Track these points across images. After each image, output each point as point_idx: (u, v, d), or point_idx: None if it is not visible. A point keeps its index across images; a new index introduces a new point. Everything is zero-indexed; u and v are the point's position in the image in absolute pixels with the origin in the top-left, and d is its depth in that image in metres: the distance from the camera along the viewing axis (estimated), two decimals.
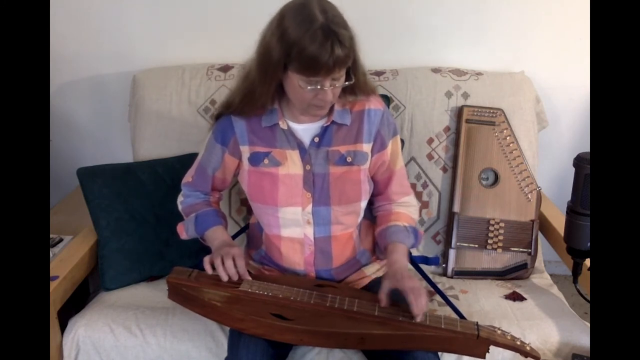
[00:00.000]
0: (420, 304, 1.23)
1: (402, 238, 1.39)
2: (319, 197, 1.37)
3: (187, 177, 1.50)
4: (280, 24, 1.22)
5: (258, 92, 1.30)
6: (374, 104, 1.41)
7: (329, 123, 1.36)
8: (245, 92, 1.33)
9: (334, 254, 1.42)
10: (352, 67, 1.28)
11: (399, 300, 1.27)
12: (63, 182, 2.07)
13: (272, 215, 1.39)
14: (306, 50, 1.17)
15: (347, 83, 1.28)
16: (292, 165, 1.37)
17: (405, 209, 1.46)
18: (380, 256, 1.50)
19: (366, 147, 1.40)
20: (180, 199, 1.50)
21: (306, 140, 1.38)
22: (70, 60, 2.01)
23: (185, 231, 1.46)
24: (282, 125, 1.36)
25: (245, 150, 1.39)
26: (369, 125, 1.39)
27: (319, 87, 1.23)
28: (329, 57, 1.18)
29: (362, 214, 1.44)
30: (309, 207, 1.37)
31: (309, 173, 1.37)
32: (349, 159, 1.37)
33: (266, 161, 1.37)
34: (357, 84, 1.31)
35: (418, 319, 1.22)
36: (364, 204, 1.43)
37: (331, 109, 1.36)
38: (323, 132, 1.37)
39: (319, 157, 1.37)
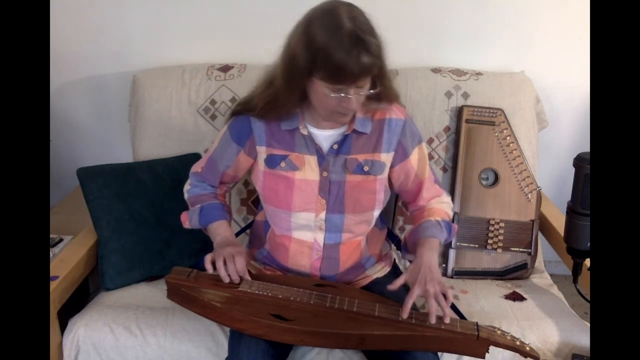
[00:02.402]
0: (433, 316, 1.21)
1: (434, 232, 1.37)
2: (334, 204, 1.36)
3: (197, 167, 1.49)
4: (306, 31, 1.20)
5: (282, 100, 1.28)
6: (396, 113, 1.39)
7: (350, 131, 1.35)
8: (269, 99, 1.31)
9: (341, 261, 1.41)
10: (379, 75, 1.25)
11: (399, 300, 1.27)
12: (63, 182, 2.07)
13: (284, 219, 1.39)
14: (333, 57, 1.15)
15: (371, 91, 1.26)
16: (309, 171, 1.35)
17: (439, 204, 1.45)
18: (407, 257, 1.47)
19: (384, 157, 1.38)
20: (187, 187, 1.49)
21: (325, 146, 1.36)
22: (70, 60, 2.01)
23: (188, 221, 1.45)
24: (303, 130, 1.35)
25: (262, 151, 1.38)
26: (389, 135, 1.38)
27: (343, 94, 1.21)
28: (355, 65, 1.16)
29: (373, 222, 1.44)
30: (323, 214, 1.37)
31: (326, 180, 1.36)
32: (366, 168, 1.36)
33: (283, 164, 1.36)
34: (382, 91, 1.29)
35: (433, 321, 1.22)
36: (376, 213, 1.42)
37: (353, 117, 1.34)
38: (343, 140, 1.36)
39: (336, 165, 1.36)
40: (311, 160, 1.36)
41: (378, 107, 1.36)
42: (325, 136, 1.37)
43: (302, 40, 1.20)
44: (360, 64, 1.16)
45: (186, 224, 1.46)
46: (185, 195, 1.49)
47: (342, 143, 1.36)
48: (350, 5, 1.22)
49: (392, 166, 1.41)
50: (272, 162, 1.37)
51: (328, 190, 1.36)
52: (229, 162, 1.42)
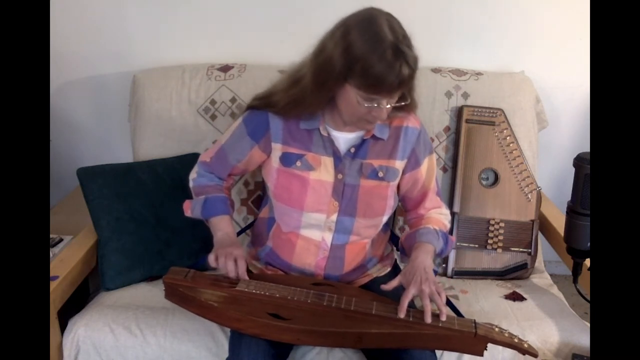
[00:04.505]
0: (428, 315, 1.21)
1: (430, 239, 1.37)
2: (346, 207, 1.37)
3: (205, 157, 1.48)
4: (344, 36, 1.19)
5: (309, 101, 1.28)
6: (412, 122, 1.40)
7: (369, 136, 1.36)
8: (294, 98, 1.30)
9: (346, 262, 1.42)
10: (410, 87, 1.27)
11: (397, 298, 1.27)
12: (63, 182, 2.07)
13: (294, 217, 1.38)
14: (373, 68, 1.16)
15: (403, 104, 1.26)
16: (325, 172, 1.36)
17: (437, 215, 1.46)
18: (404, 260, 1.47)
19: (399, 164, 1.39)
20: (192, 175, 1.48)
21: (342, 149, 1.37)
22: (70, 60, 2.01)
23: (190, 210, 1.45)
24: (323, 131, 1.35)
25: (277, 148, 1.38)
26: (404, 143, 1.39)
27: (375, 104, 1.22)
28: (395, 78, 1.16)
29: (380, 227, 1.44)
30: (334, 216, 1.37)
31: (340, 182, 1.36)
32: (380, 174, 1.37)
33: (298, 163, 1.36)
34: (409, 103, 1.30)
35: (428, 321, 1.21)
36: (386, 218, 1.43)
37: None
38: (360, 144, 1.36)
39: (352, 168, 1.36)
40: (327, 162, 1.36)
41: (396, 115, 1.37)
42: (345, 139, 1.37)
43: (340, 45, 1.19)
44: (400, 77, 1.17)
45: (187, 212, 1.46)
46: (190, 184, 1.48)
47: (360, 147, 1.36)
48: (388, 14, 1.23)
49: (402, 173, 1.42)
50: (287, 160, 1.37)
51: (342, 192, 1.36)
52: (241, 156, 1.42)
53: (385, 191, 1.39)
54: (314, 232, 1.39)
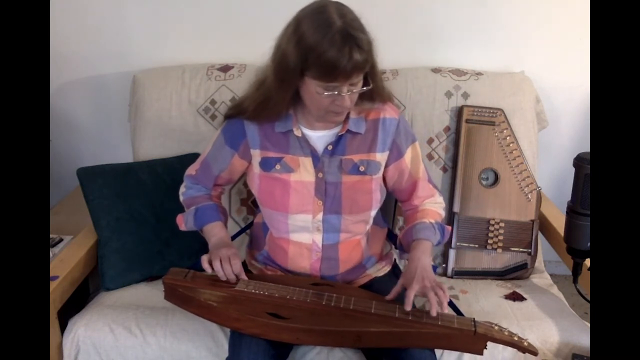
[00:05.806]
0: (434, 307, 1.21)
1: (427, 235, 1.38)
2: (331, 205, 1.36)
3: (191, 170, 1.49)
4: (296, 30, 1.20)
5: (274, 100, 1.28)
6: (390, 113, 1.39)
7: (344, 132, 1.35)
8: (261, 100, 1.31)
9: (341, 261, 1.42)
10: (370, 72, 1.26)
11: (396, 298, 1.27)
12: (63, 182, 2.07)
13: (281, 221, 1.39)
14: (324, 55, 1.15)
15: (364, 88, 1.26)
16: (305, 173, 1.35)
17: (432, 205, 1.46)
18: (404, 256, 1.47)
19: (380, 157, 1.39)
20: (182, 189, 1.50)
21: (320, 147, 1.36)
22: (70, 60, 2.01)
23: (184, 223, 1.46)
24: (297, 132, 1.35)
25: (256, 154, 1.38)
26: (383, 134, 1.38)
27: (336, 92, 1.21)
28: (347, 62, 1.16)
29: (371, 222, 1.44)
30: (320, 215, 1.37)
31: (322, 181, 1.36)
32: (361, 168, 1.36)
33: (278, 167, 1.36)
34: (374, 89, 1.29)
35: (434, 314, 1.21)
36: (374, 212, 1.42)
37: (347, 117, 1.34)
38: (337, 141, 1.36)
39: (332, 166, 1.36)
40: (306, 162, 1.36)
41: (372, 107, 1.37)
42: (319, 137, 1.37)
43: (293, 39, 1.20)
44: (353, 61, 1.16)
45: (182, 227, 1.47)
46: (181, 198, 1.50)
47: (337, 144, 1.36)
48: (338, 3, 1.23)
49: (386, 165, 1.41)
50: (266, 164, 1.37)
51: (324, 191, 1.36)
52: (223, 165, 1.42)
53: (369, 185, 1.38)
54: (304, 235, 1.39)
